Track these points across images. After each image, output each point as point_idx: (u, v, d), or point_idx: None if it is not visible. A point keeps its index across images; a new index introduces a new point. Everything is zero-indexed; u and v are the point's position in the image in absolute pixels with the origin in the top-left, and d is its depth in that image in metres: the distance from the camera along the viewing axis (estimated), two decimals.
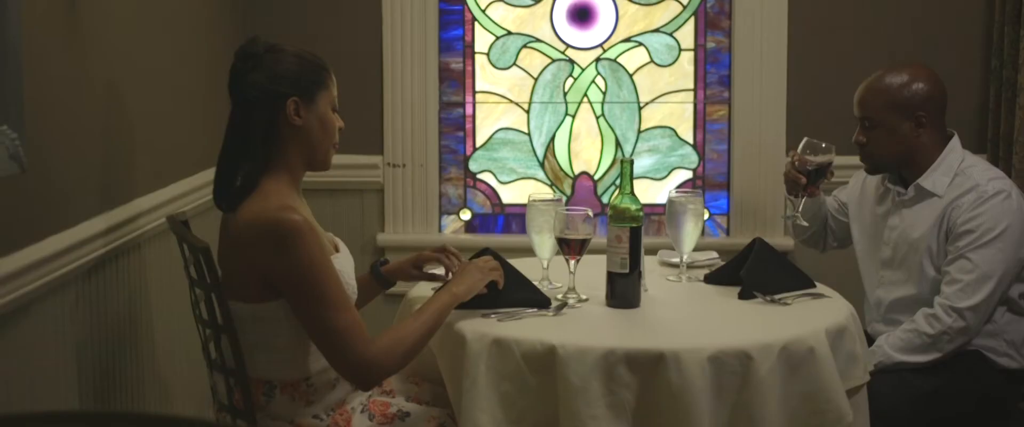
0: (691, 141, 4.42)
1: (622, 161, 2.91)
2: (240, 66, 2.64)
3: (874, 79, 3.42)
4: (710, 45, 4.38)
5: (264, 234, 2.53)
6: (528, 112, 4.43)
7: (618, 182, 2.95)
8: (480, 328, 2.67)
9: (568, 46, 4.40)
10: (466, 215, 4.47)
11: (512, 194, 4.44)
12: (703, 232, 4.35)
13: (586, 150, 4.44)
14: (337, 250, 2.77)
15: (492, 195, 4.47)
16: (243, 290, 2.60)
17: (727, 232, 4.41)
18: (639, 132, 4.41)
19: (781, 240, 4.31)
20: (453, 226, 4.47)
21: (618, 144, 4.41)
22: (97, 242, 2.81)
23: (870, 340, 3.37)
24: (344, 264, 2.71)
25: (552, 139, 4.43)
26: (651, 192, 4.41)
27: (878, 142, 3.37)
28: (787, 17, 4.27)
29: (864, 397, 2.89)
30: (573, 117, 4.42)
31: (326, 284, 2.53)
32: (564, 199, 4.38)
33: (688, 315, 2.92)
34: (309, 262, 2.51)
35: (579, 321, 2.77)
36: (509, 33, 4.40)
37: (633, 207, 2.86)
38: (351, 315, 2.55)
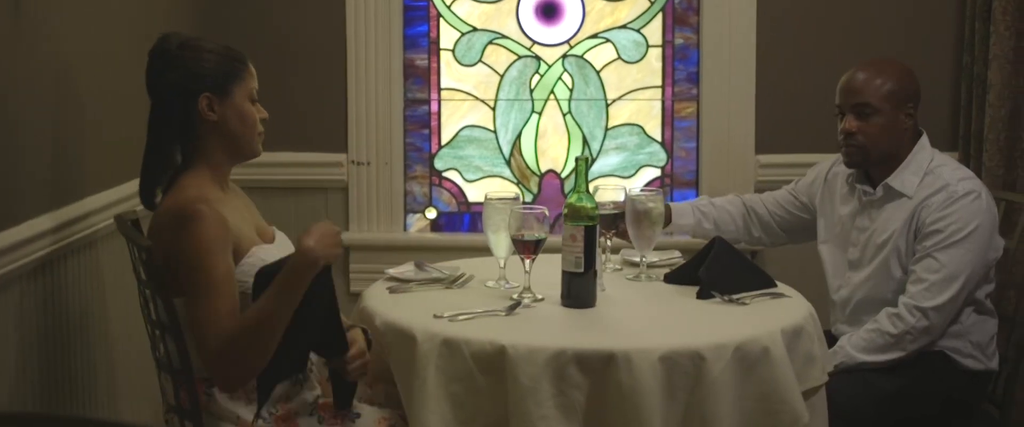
0: (659, 139, 4.42)
1: (577, 159, 2.92)
2: (154, 64, 2.70)
3: (869, 66, 3.39)
4: (678, 41, 4.38)
5: (169, 221, 2.58)
6: (494, 109, 4.42)
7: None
8: (430, 328, 2.68)
9: (534, 42, 4.39)
10: (432, 213, 4.46)
11: (478, 192, 4.44)
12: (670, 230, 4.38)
13: (553, 148, 4.44)
14: (271, 241, 2.78)
15: (458, 193, 4.47)
16: (170, 285, 2.61)
17: None
18: (606, 130, 4.41)
19: None
20: (419, 225, 4.46)
21: (585, 142, 4.41)
22: (44, 240, 2.80)
23: (834, 340, 3.37)
24: (272, 254, 2.69)
25: (518, 137, 4.43)
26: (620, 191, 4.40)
27: (873, 132, 3.33)
28: (755, 13, 4.27)
29: (822, 398, 2.90)
30: (540, 114, 4.42)
31: (208, 269, 2.52)
32: (520, 197, 4.37)
33: (643, 315, 2.92)
34: (196, 246, 2.52)
35: (532, 321, 2.77)
36: (475, 29, 4.39)
37: (589, 205, 2.86)
38: (224, 305, 2.51)
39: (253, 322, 2.51)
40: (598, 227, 2.90)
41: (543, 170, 4.44)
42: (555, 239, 2.96)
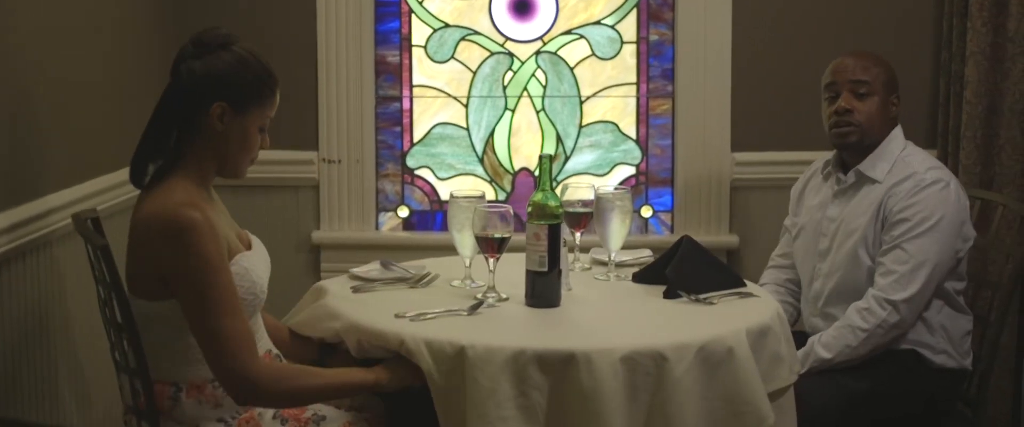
0: (634, 136, 4.41)
1: (541, 157, 2.91)
2: (189, 50, 2.66)
3: (860, 52, 3.47)
4: (653, 38, 4.37)
5: (161, 229, 2.55)
6: (467, 106, 4.42)
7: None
8: (392, 327, 2.67)
9: (507, 39, 4.38)
10: (404, 212, 4.45)
11: (450, 191, 4.42)
12: (646, 229, 4.40)
13: (526, 145, 4.43)
14: (249, 247, 2.79)
15: (430, 192, 4.46)
16: (145, 287, 2.62)
17: (672, 229, 4.40)
18: (580, 127, 4.40)
19: (725, 238, 4.31)
20: (390, 223, 4.45)
21: (559, 139, 4.41)
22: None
23: (806, 337, 3.37)
24: (254, 262, 2.72)
25: (491, 134, 4.42)
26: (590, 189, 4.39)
27: (870, 111, 3.37)
28: (731, 9, 4.26)
29: (790, 398, 2.89)
30: (513, 111, 4.41)
31: (217, 286, 2.53)
32: (494, 195, 4.37)
33: (607, 315, 2.91)
34: (201, 260, 2.52)
35: (494, 321, 2.77)
36: (447, 25, 4.39)
37: (553, 204, 2.86)
38: (240, 323, 2.55)
39: (304, 387, 2.61)
40: (562, 226, 2.89)
41: (516, 168, 4.43)
42: (522, 238, 2.95)
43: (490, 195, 4.40)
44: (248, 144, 2.70)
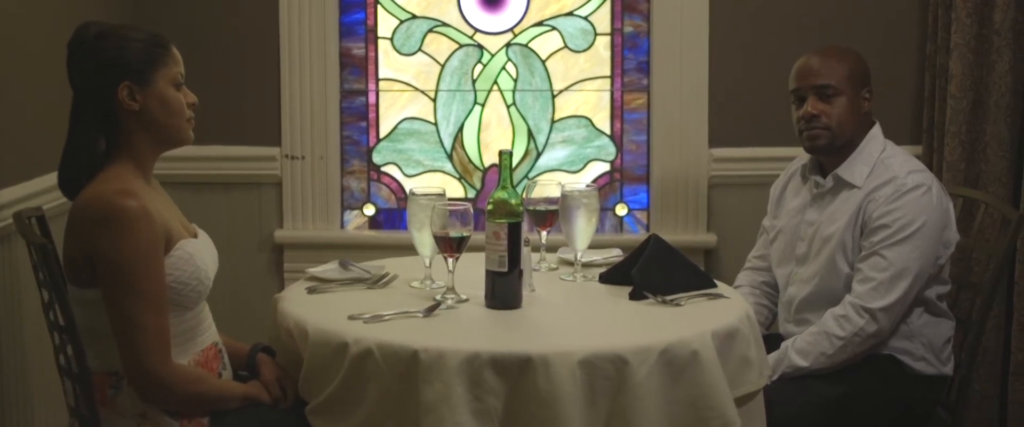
0: (608, 131, 4.42)
1: (501, 153, 2.92)
2: (72, 56, 2.72)
3: (823, 50, 3.44)
4: (628, 29, 4.38)
5: (93, 217, 2.60)
6: (435, 101, 4.42)
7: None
8: (344, 330, 2.67)
9: (477, 30, 4.39)
10: (370, 210, 4.46)
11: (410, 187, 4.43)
12: (621, 227, 4.40)
13: (497, 141, 4.43)
14: (195, 236, 2.83)
15: (397, 189, 4.46)
16: (79, 274, 2.66)
17: (647, 228, 4.41)
18: (553, 122, 4.41)
19: (702, 237, 4.32)
20: (356, 222, 4.46)
21: (530, 135, 4.41)
22: None
23: (782, 340, 3.38)
24: (198, 249, 2.77)
25: (460, 129, 4.43)
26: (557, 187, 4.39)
27: (838, 113, 3.36)
28: None
29: (760, 404, 2.90)
30: (482, 106, 4.42)
31: (144, 278, 2.59)
32: (446, 193, 4.37)
33: (569, 316, 2.92)
34: (132, 250, 2.57)
35: (451, 323, 2.77)
36: (414, 17, 4.39)
37: (512, 201, 2.86)
38: (161, 320, 2.61)
39: (208, 392, 2.73)
40: (523, 224, 2.89)
41: (486, 164, 4.44)
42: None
43: (459, 192, 4.41)
44: (171, 106, 2.75)
